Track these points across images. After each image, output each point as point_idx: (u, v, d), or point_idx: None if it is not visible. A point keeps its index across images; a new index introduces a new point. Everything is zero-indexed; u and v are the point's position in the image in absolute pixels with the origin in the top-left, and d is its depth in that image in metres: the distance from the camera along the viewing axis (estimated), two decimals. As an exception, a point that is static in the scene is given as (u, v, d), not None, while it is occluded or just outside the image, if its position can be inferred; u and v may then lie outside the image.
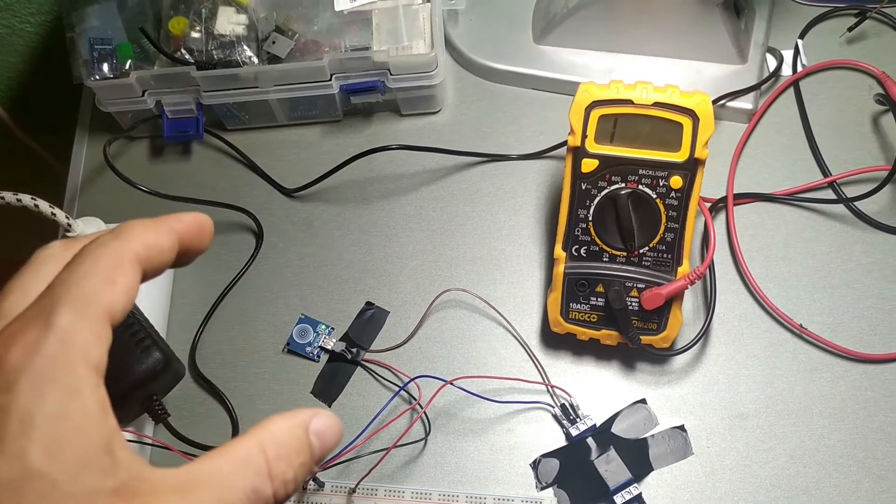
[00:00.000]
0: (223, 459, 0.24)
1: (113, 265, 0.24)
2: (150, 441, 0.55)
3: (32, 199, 0.51)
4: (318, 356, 0.60)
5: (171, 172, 0.67)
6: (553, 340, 0.58)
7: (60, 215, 0.52)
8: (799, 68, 0.65)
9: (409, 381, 0.56)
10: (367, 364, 0.59)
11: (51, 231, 0.63)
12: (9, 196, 0.50)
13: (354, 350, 0.59)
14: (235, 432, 0.57)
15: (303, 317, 0.60)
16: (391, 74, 0.62)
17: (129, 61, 0.62)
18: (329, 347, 0.59)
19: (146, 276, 0.26)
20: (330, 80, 0.63)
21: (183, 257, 0.28)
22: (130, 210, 0.65)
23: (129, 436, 0.54)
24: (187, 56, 0.62)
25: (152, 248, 0.26)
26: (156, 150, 0.69)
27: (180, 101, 0.64)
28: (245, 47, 0.62)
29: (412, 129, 0.67)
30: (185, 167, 0.68)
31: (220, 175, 0.67)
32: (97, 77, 0.62)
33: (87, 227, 0.55)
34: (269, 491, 0.24)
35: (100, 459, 0.21)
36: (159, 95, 0.63)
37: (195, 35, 0.62)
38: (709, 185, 0.61)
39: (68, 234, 0.54)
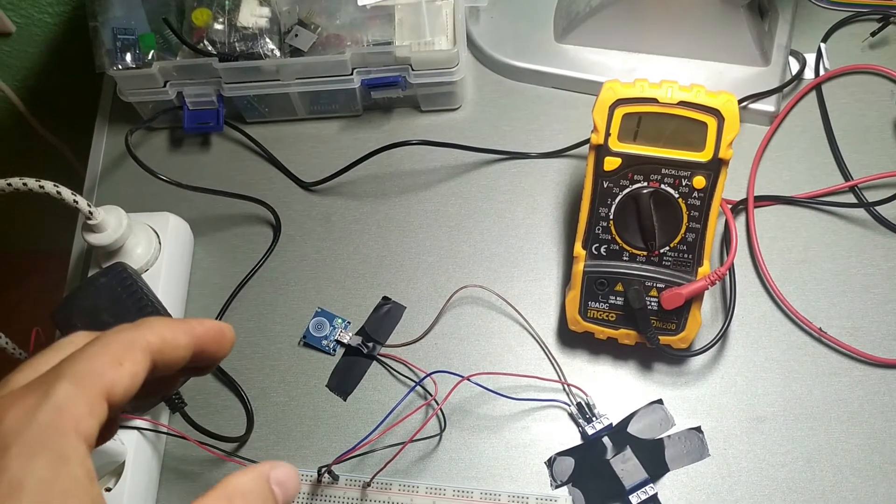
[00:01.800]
0: None
1: (123, 349, 0.25)
2: (165, 430, 0.55)
3: (55, 185, 0.51)
4: (334, 350, 0.60)
5: (190, 164, 0.68)
6: (570, 339, 0.58)
7: (82, 202, 0.52)
8: (821, 72, 0.65)
9: (425, 377, 0.56)
10: (382, 359, 0.59)
11: (71, 220, 0.64)
12: (31, 182, 0.50)
13: (370, 344, 0.59)
14: (250, 424, 0.57)
15: (319, 310, 0.60)
16: (413, 70, 0.62)
17: (151, 51, 0.63)
18: (345, 341, 0.59)
19: (157, 368, 0.26)
20: (351, 74, 0.63)
21: (199, 360, 0.28)
22: (150, 200, 0.65)
23: (145, 424, 0.54)
24: (210, 48, 0.62)
25: (167, 343, 0.26)
26: (175, 141, 0.69)
27: (201, 93, 0.64)
28: (267, 40, 0.62)
29: (432, 126, 0.67)
30: (205, 159, 0.68)
31: (238, 167, 0.67)
32: (120, 66, 0.62)
33: (109, 215, 0.55)
34: None
35: None
36: (181, 86, 0.64)
37: (218, 27, 0.62)
38: (730, 186, 0.61)
39: (89, 222, 0.54)
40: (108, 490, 0.52)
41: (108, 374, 0.24)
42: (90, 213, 0.53)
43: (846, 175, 0.62)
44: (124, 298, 0.52)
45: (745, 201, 0.60)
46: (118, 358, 0.25)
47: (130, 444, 0.52)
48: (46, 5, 0.81)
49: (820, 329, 0.56)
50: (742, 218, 0.61)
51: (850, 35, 0.67)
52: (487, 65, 0.69)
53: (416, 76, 0.63)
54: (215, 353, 0.29)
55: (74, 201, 0.52)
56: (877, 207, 0.60)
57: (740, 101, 0.62)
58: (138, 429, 0.53)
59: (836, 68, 0.65)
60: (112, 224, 0.55)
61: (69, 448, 0.23)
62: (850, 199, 0.61)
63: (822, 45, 0.66)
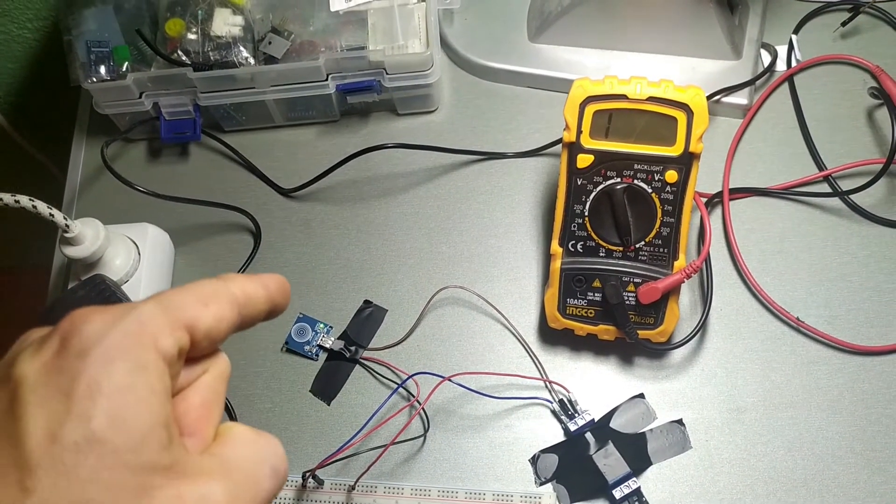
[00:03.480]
0: (247, 448, 0.26)
1: (210, 294, 0.26)
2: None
3: (31, 200, 0.51)
4: (317, 355, 0.60)
5: (169, 174, 0.68)
6: (551, 336, 0.58)
7: (58, 216, 0.53)
8: (793, 63, 0.66)
9: (407, 379, 0.56)
10: (365, 362, 0.59)
11: (51, 234, 0.64)
12: (7, 198, 0.50)
13: (353, 348, 0.59)
14: (235, 431, 0.57)
15: (301, 316, 0.61)
16: (387, 74, 0.63)
17: (125, 63, 0.63)
18: (327, 346, 0.59)
19: (242, 322, 0.27)
20: (326, 80, 0.63)
21: (270, 314, 0.29)
22: (130, 211, 0.65)
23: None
24: (184, 58, 0.63)
25: (250, 297, 0.28)
26: (154, 152, 0.69)
27: (177, 103, 0.64)
28: (241, 48, 0.63)
29: (409, 129, 0.68)
30: (183, 168, 0.68)
31: (217, 176, 0.67)
32: (94, 79, 0.62)
33: (86, 227, 0.55)
34: (284, 467, 0.26)
35: (159, 435, 0.22)
36: (156, 97, 0.64)
37: (191, 37, 0.63)
38: (705, 180, 0.62)
39: (66, 235, 0.54)
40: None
41: (192, 309, 0.25)
42: (66, 226, 0.53)
43: (820, 165, 0.62)
44: (103, 310, 0.53)
45: (720, 194, 0.61)
46: (204, 300, 0.25)
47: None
48: (25, 21, 0.81)
49: (798, 319, 0.57)
50: (718, 211, 0.61)
51: (822, 25, 0.68)
52: (463, 66, 0.69)
53: (390, 80, 0.63)
54: (281, 307, 0.30)
55: (50, 215, 0.52)
56: (851, 196, 0.60)
57: (713, 95, 0.63)
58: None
59: (807, 59, 0.65)
60: (89, 236, 0.55)
61: (149, 359, 0.23)
62: (825, 188, 0.61)
63: (794, 37, 0.67)
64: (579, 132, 0.52)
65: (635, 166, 0.52)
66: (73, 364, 0.22)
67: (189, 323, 0.25)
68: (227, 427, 0.27)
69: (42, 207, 0.52)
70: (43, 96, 0.93)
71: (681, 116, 0.51)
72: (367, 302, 0.61)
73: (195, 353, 0.26)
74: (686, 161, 0.51)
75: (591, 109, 0.52)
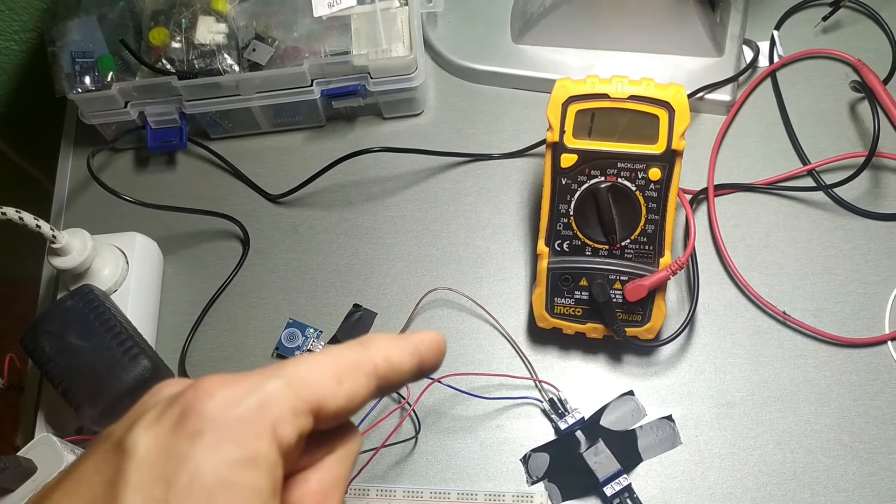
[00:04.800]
0: None
1: (347, 368, 0.24)
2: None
3: (17, 211, 0.51)
4: (308, 359, 0.60)
5: (156, 183, 0.68)
6: (540, 336, 0.58)
7: (45, 227, 0.53)
8: (775, 59, 0.66)
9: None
10: (356, 366, 0.59)
11: (41, 244, 0.64)
12: (-7, 209, 0.50)
13: (343, 352, 0.59)
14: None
15: (291, 321, 0.61)
16: (372, 78, 0.63)
17: (110, 73, 0.63)
18: (318, 350, 0.59)
19: (380, 391, 0.25)
20: (311, 85, 0.63)
21: (417, 378, 0.27)
22: (118, 221, 0.65)
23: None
24: (168, 66, 0.63)
25: (392, 367, 0.25)
26: (141, 161, 0.69)
27: (163, 112, 0.64)
28: (226, 56, 0.63)
29: (395, 132, 0.68)
30: (171, 177, 0.68)
31: (205, 184, 0.67)
32: (79, 90, 0.62)
33: (73, 238, 0.55)
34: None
35: None
36: (142, 106, 0.64)
37: (176, 45, 0.63)
38: (690, 176, 0.62)
39: (53, 246, 0.54)
40: None
41: (325, 388, 0.23)
42: (53, 237, 0.53)
43: (804, 159, 0.62)
44: (92, 320, 0.53)
45: (705, 190, 0.61)
46: (339, 375, 0.23)
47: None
48: (12, 33, 0.81)
49: (784, 313, 0.57)
50: (703, 207, 0.62)
51: (803, 21, 0.68)
52: (447, 69, 0.70)
53: (375, 84, 0.63)
54: (431, 370, 0.27)
55: (37, 226, 0.52)
56: (835, 189, 0.60)
57: (696, 92, 0.63)
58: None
59: (789, 55, 0.66)
60: (77, 247, 0.55)
61: (261, 451, 0.21)
62: (809, 182, 0.62)
63: (775, 33, 0.67)
64: (562, 132, 0.52)
65: (619, 165, 0.52)
66: (183, 447, 0.20)
67: (318, 405, 0.22)
68: None
69: (28, 219, 0.52)
70: (30, 108, 0.93)
71: (662, 114, 0.51)
72: (356, 306, 0.61)
73: (321, 428, 0.23)
74: (669, 158, 0.52)
75: (573, 109, 0.52)
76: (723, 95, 0.64)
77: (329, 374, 0.23)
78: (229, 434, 0.21)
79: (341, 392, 0.23)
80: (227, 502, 0.20)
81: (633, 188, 0.53)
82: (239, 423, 0.21)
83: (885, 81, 0.63)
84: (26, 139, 0.98)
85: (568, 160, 0.53)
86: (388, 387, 0.25)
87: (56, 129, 0.76)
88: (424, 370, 0.26)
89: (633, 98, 0.51)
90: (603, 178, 0.53)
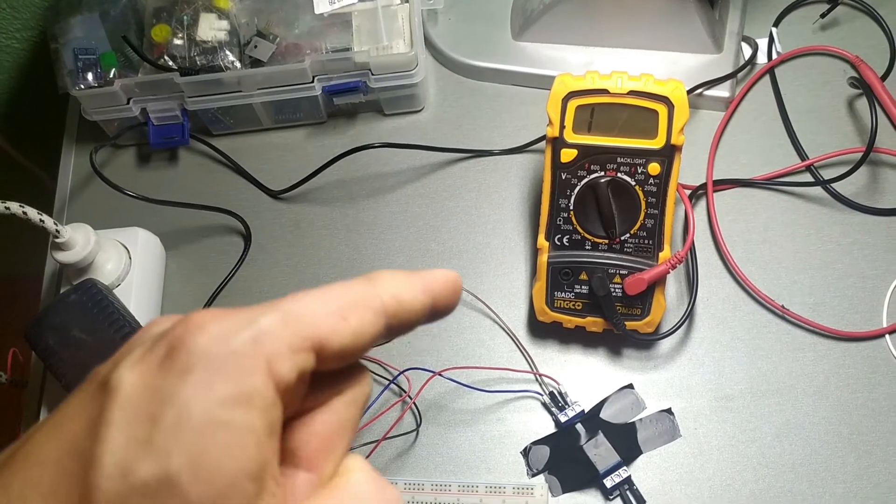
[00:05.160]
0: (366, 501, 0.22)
1: (352, 303, 0.22)
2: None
3: (21, 206, 0.52)
4: (309, 354, 0.60)
5: (158, 179, 0.68)
6: (540, 330, 0.59)
7: (48, 222, 0.53)
8: (774, 56, 0.66)
9: (398, 375, 0.57)
10: (357, 360, 0.59)
11: (42, 241, 0.64)
12: (-3, 204, 0.51)
13: (344, 347, 0.59)
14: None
15: (293, 316, 0.61)
16: (372, 74, 0.63)
17: (113, 70, 0.63)
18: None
19: (390, 331, 0.23)
20: (312, 82, 0.63)
21: (431, 319, 0.24)
22: (121, 216, 0.65)
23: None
24: (170, 63, 0.63)
25: (402, 305, 0.23)
26: (143, 157, 0.70)
27: (165, 108, 0.64)
28: (227, 52, 0.63)
29: (396, 129, 0.68)
30: (173, 173, 0.69)
31: (207, 180, 0.68)
32: (82, 86, 0.63)
33: (76, 233, 0.55)
34: None
35: (245, 487, 0.19)
36: (144, 103, 0.64)
37: (178, 42, 0.63)
38: (689, 172, 0.62)
39: (57, 241, 0.55)
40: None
41: (328, 323, 0.21)
42: (57, 231, 0.54)
43: (802, 155, 0.63)
44: (95, 313, 0.53)
45: (704, 186, 0.62)
46: (344, 311, 0.21)
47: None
48: (14, 31, 0.81)
49: (783, 307, 0.57)
50: (702, 203, 0.62)
51: (801, 18, 0.68)
52: (448, 66, 0.70)
53: (376, 80, 0.63)
54: (446, 310, 0.24)
55: (41, 220, 0.53)
56: (833, 185, 0.61)
57: (695, 89, 0.64)
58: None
59: (788, 51, 0.66)
60: (80, 241, 0.55)
61: (256, 387, 0.19)
62: (808, 178, 0.62)
63: (774, 30, 0.67)
64: (562, 127, 0.53)
65: (618, 160, 0.53)
66: (170, 384, 0.19)
67: (319, 341, 0.21)
68: (348, 468, 0.23)
69: (32, 213, 0.52)
70: (32, 106, 0.93)
71: (662, 109, 0.51)
72: (357, 300, 0.62)
73: (326, 368, 0.22)
74: (668, 153, 0.52)
75: (573, 104, 0.52)
76: (721, 92, 0.65)
77: (331, 309, 0.21)
78: (221, 370, 0.19)
79: (346, 329, 0.21)
80: (217, 442, 0.19)
81: (633, 183, 0.53)
82: (231, 359, 0.19)
83: (883, 78, 0.63)
84: (28, 137, 0.99)
85: (568, 155, 0.53)
86: (397, 326, 0.23)
87: (58, 127, 0.76)
88: (438, 310, 0.24)
89: (632, 93, 0.51)
90: (602, 173, 0.53)
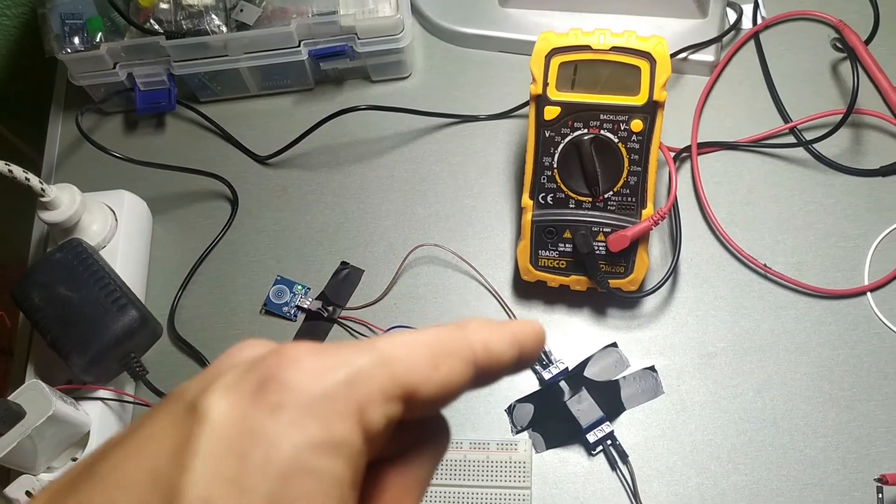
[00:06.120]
0: None
1: (444, 351, 0.21)
2: (131, 399, 0.56)
3: (6, 164, 0.52)
4: (296, 315, 0.61)
5: (146, 145, 0.68)
6: (525, 290, 0.59)
7: (34, 180, 0.53)
8: (759, 20, 0.67)
9: (382, 334, 0.57)
10: (343, 321, 0.60)
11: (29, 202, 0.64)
12: (-18, 161, 0.51)
13: (331, 308, 0.60)
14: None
15: (279, 278, 0.61)
16: (359, 39, 0.63)
17: (99, 34, 0.63)
18: (306, 306, 0.60)
19: (476, 382, 0.22)
20: (298, 46, 0.64)
21: (514, 371, 0.23)
22: (108, 181, 0.65)
23: (108, 395, 0.55)
24: (156, 27, 0.63)
25: (493, 356, 0.22)
26: (130, 124, 0.70)
27: (151, 73, 0.65)
28: (213, 16, 0.63)
29: (383, 95, 0.69)
30: (160, 139, 0.69)
31: (194, 146, 0.68)
32: (68, 50, 0.63)
33: (62, 192, 0.55)
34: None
35: None
36: (130, 67, 0.64)
37: (164, 6, 0.63)
38: (674, 135, 0.63)
39: (42, 200, 0.55)
40: (74, 460, 0.52)
41: (420, 371, 0.20)
42: (42, 190, 0.54)
43: (786, 118, 0.63)
44: (81, 272, 0.53)
45: (688, 148, 0.62)
46: (436, 359, 0.20)
47: (94, 414, 0.53)
48: (4, 8, 0.81)
49: (765, 265, 0.58)
50: (687, 165, 0.62)
51: (787, -17, 0.69)
52: (435, 33, 0.70)
53: (362, 45, 0.64)
54: (528, 363, 0.23)
55: (26, 179, 0.53)
56: (816, 146, 0.61)
57: (680, 52, 0.64)
58: (101, 399, 0.54)
59: (772, 16, 0.67)
60: (65, 201, 0.56)
61: (345, 435, 0.19)
62: (791, 140, 0.63)
63: (759, -5, 0.68)
64: (545, 84, 0.53)
65: (601, 117, 0.53)
66: (261, 419, 0.18)
67: (411, 389, 0.20)
68: None
69: (18, 171, 0.52)
70: (22, 83, 0.93)
71: (644, 65, 0.52)
72: (343, 263, 0.62)
73: (409, 417, 0.21)
74: (651, 110, 0.52)
75: (556, 61, 0.52)
76: (706, 56, 0.65)
77: (425, 356, 0.20)
78: (313, 411, 0.18)
79: (437, 378, 0.20)
80: (303, 491, 0.18)
81: (616, 140, 0.53)
82: (324, 401, 0.19)
83: (867, 42, 0.63)
84: (14, 113, 0.98)
85: (551, 112, 0.53)
86: (484, 378, 0.22)
87: (45, 103, 0.76)
88: (524, 362, 0.23)
89: (614, 49, 0.52)
90: (586, 131, 0.53)
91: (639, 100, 0.52)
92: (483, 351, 0.21)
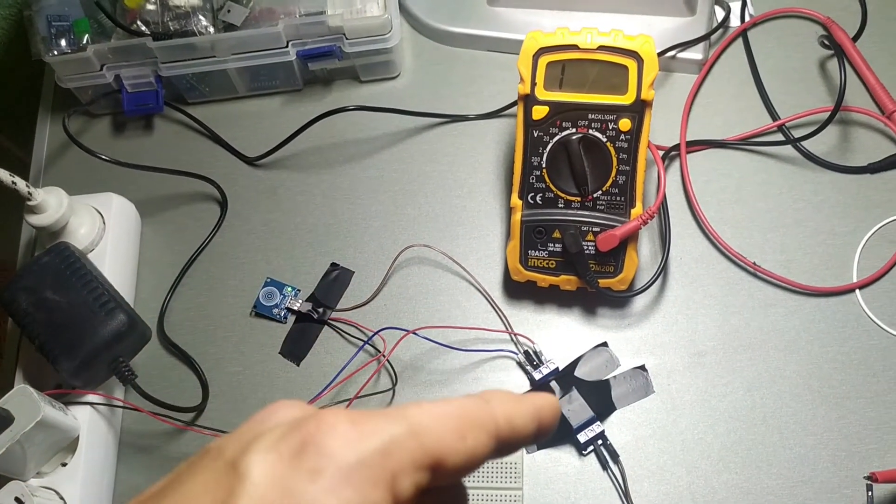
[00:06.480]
0: None
1: (470, 423, 0.22)
2: (120, 404, 0.56)
3: (-8, 168, 0.52)
4: (286, 317, 0.60)
5: (134, 147, 0.68)
6: (515, 290, 0.59)
7: (21, 184, 0.53)
8: (746, 18, 0.67)
9: (373, 335, 0.57)
10: (333, 323, 0.60)
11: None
12: (-33, 165, 0.50)
13: (321, 310, 0.60)
14: (205, 394, 0.58)
15: (269, 280, 0.61)
16: (347, 39, 0.63)
17: (86, 36, 0.63)
18: (296, 308, 0.60)
19: (496, 454, 0.23)
20: (286, 46, 0.63)
21: (531, 443, 0.25)
22: (96, 184, 0.65)
23: (97, 399, 0.54)
24: (143, 28, 0.63)
25: (514, 428, 0.23)
26: (118, 126, 0.69)
27: (139, 74, 0.64)
28: (200, 17, 0.63)
29: (372, 95, 0.68)
30: (148, 141, 0.68)
31: (182, 148, 0.68)
32: (55, 52, 0.62)
33: (49, 196, 0.55)
34: None
35: None
36: (117, 69, 0.64)
37: (150, 7, 0.63)
38: (662, 134, 0.63)
39: (29, 203, 0.54)
40: (64, 465, 0.52)
41: (448, 441, 0.21)
42: (29, 193, 0.54)
43: (774, 116, 0.63)
44: (68, 276, 0.53)
45: (677, 147, 0.62)
46: (463, 430, 0.21)
47: (83, 419, 0.53)
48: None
49: (754, 263, 0.58)
50: (676, 164, 0.62)
51: (774, -19, 0.69)
52: (423, 32, 0.70)
53: (350, 45, 0.63)
54: (544, 437, 0.25)
55: (13, 182, 0.53)
56: (804, 144, 0.61)
57: (668, 51, 0.64)
58: (91, 404, 0.54)
59: (760, 13, 0.67)
60: (53, 204, 0.55)
61: (378, 502, 0.20)
62: (779, 138, 0.63)
63: (746, -7, 0.68)
64: (533, 84, 0.53)
65: (590, 116, 0.53)
66: (300, 483, 0.19)
67: (438, 460, 0.21)
68: None
69: (4, 175, 0.52)
70: (9, 85, 0.93)
71: (631, 64, 0.52)
72: (333, 265, 0.62)
73: (434, 485, 0.22)
74: (639, 109, 0.52)
75: (544, 61, 0.52)
76: (695, 54, 0.65)
77: (453, 427, 0.21)
78: (349, 477, 0.19)
79: (463, 449, 0.21)
80: None
81: (604, 139, 0.53)
82: (360, 468, 0.20)
83: (855, 39, 0.64)
84: (5, 117, 0.98)
85: (539, 112, 0.53)
86: (503, 450, 0.23)
87: (32, 105, 0.76)
88: (542, 435, 0.24)
89: (602, 49, 0.52)
90: (574, 130, 0.53)
91: (627, 99, 0.52)
92: (506, 424, 0.23)
